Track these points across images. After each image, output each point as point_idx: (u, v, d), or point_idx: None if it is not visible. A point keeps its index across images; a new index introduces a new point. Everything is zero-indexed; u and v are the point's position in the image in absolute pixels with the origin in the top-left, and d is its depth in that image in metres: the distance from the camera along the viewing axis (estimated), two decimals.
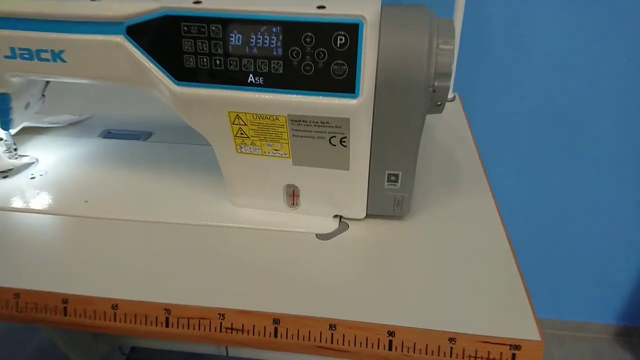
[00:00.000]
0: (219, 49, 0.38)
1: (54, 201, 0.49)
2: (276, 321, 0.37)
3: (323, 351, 0.36)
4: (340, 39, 0.36)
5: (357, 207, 0.45)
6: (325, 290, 0.39)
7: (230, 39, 0.37)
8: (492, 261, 0.42)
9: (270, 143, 0.42)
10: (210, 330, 0.37)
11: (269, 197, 0.47)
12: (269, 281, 0.40)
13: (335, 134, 0.40)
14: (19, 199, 0.50)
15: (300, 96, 0.38)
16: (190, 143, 0.59)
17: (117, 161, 0.56)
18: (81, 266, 0.42)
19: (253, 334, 0.37)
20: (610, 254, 1.07)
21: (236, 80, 0.38)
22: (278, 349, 0.37)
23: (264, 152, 0.43)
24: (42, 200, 0.49)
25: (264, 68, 0.38)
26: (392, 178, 0.43)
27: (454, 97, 0.75)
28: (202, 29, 0.37)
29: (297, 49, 0.36)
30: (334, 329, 0.36)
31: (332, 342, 0.36)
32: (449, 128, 0.64)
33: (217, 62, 0.38)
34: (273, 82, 0.38)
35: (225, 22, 0.37)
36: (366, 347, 0.36)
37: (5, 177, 0.53)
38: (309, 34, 0.36)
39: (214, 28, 0.37)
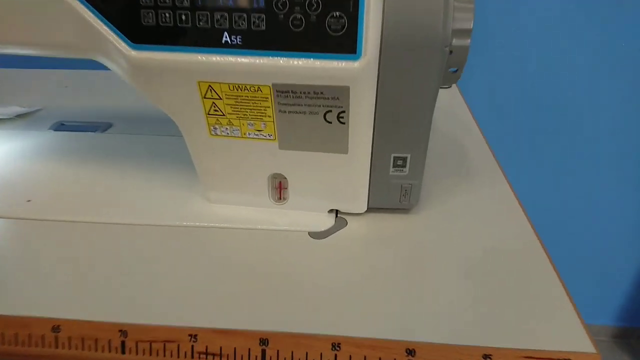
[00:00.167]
0: (185, 1, 0.30)
1: None
2: (264, 341, 0.29)
3: None
4: None
5: (357, 199, 0.38)
6: (324, 301, 0.31)
7: None
8: (522, 261, 0.35)
9: (252, 122, 0.34)
10: (179, 356, 0.29)
11: (251, 190, 0.39)
12: (253, 292, 0.32)
13: (331, 107, 0.33)
14: None
15: (287, 59, 0.31)
16: (156, 134, 0.51)
17: (69, 156, 0.48)
18: (14, 278, 0.33)
19: (235, 359, 0.29)
20: (609, 255, 1.04)
21: (207, 40, 0.31)
22: None
23: (244, 134, 0.35)
24: None
25: (242, 24, 0.30)
26: (399, 162, 0.36)
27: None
28: None
29: None
30: (337, 348, 0.28)
31: None
32: (452, 117, 0.58)
33: (183, 17, 0.30)
34: (254, 42, 0.31)
35: None
36: None
37: None
38: None
39: None
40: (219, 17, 0.30)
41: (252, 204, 0.40)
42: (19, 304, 0.31)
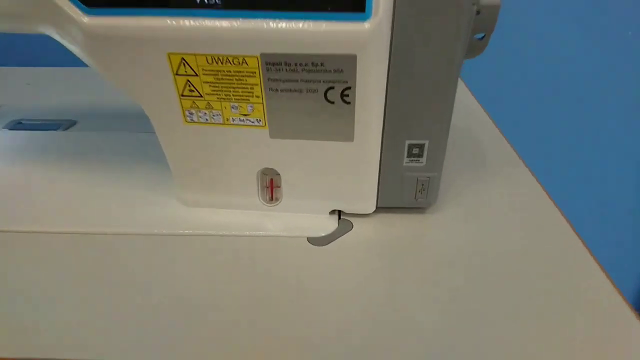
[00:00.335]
0: None
1: None
2: None
3: None
4: None
5: (364, 197, 0.32)
6: (329, 329, 0.25)
7: None
8: (570, 269, 0.29)
9: (236, 104, 0.28)
10: None
11: (236, 189, 0.32)
12: (238, 319, 0.26)
13: (333, 83, 0.26)
14: None
15: (278, 22, 0.25)
16: (126, 130, 0.44)
17: (25, 156, 0.41)
18: None
19: None
20: (609, 255, 0.99)
21: (178, 0, 0.25)
22: None
23: (227, 120, 0.29)
24: None
25: None
26: (415, 151, 0.30)
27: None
28: None
29: None
30: None
31: None
32: (460, 108, 0.52)
33: None
34: (236, 1, 0.25)
35: None
36: None
37: None
38: None
39: None
40: None
41: (238, 206, 0.33)
42: None
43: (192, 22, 0.25)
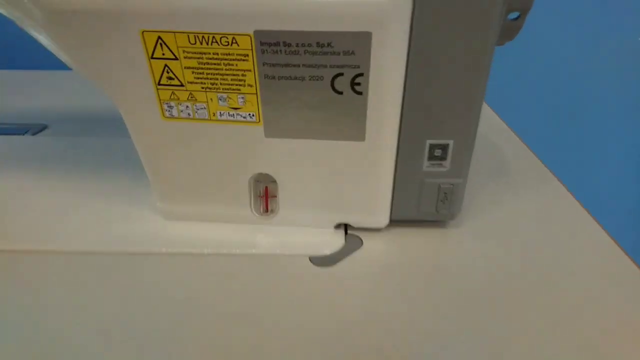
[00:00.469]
0: None
1: None
2: None
3: None
4: None
5: (377, 208, 0.27)
6: None
7: None
8: (619, 288, 0.24)
9: (224, 95, 0.23)
10: None
11: (224, 199, 0.27)
12: (228, 355, 0.20)
13: (343, 68, 0.22)
14: None
15: None
16: (100, 134, 0.39)
17: None
18: None
19: None
20: None
21: None
22: None
23: (213, 115, 0.24)
24: None
25: None
26: (438, 152, 0.25)
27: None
28: None
29: None
30: None
31: None
32: None
33: None
34: None
35: None
36: None
37: None
38: None
39: None
40: None
41: (226, 219, 0.28)
42: None
43: None
